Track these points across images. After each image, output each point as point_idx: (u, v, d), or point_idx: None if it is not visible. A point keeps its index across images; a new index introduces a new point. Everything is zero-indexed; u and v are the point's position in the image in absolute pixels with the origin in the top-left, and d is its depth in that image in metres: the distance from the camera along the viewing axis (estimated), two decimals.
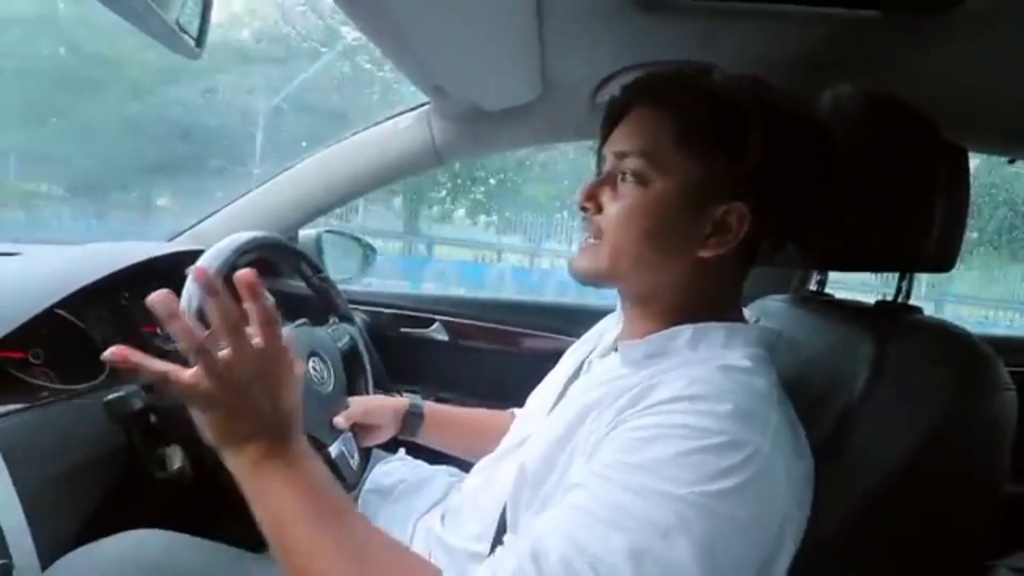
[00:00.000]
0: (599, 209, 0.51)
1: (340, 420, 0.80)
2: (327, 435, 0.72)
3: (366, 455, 0.79)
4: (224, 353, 0.40)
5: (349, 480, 0.74)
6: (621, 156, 0.50)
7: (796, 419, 0.48)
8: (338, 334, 0.88)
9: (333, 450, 0.72)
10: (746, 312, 0.59)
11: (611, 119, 0.53)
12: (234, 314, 0.39)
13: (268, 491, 0.42)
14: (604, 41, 0.73)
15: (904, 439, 0.49)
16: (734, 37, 0.70)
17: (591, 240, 0.52)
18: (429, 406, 0.82)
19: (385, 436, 0.82)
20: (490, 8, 0.62)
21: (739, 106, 0.46)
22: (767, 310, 0.74)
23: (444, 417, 0.83)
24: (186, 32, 0.43)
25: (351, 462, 0.75)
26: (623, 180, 0.50)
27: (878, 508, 0.50)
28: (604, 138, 0.54)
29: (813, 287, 0.76)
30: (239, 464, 0.42)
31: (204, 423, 0.42)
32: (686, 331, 0.50)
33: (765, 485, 0.40)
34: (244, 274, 0.39)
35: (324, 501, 0.42)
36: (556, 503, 0.47)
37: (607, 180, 0.51)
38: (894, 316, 0.58)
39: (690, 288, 0.51)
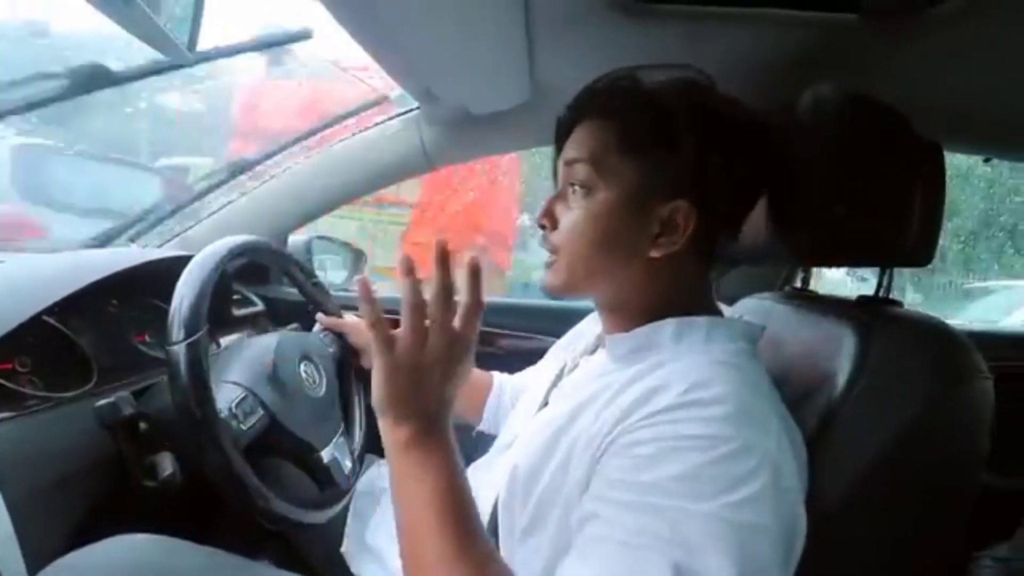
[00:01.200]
0: (555, 225, 0.53)
1: (322, 317, 0.86)
2: (319, 440, 0.71)
3: (359, 460, 0.79)
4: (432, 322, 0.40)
5: (341, 484, 0.73)
6: (570, 163, 0.52)
7: (787, 413, 0.49)
8: (329, 339, 0.87)
9: (325, 455, 0.72)
10: (728, 310, 0.60)
11: (561, 132, 0.55)
12: (450, 289, 0.40)
13: (410, 475, 0.42)
14: (591, 44, 0.74)
15: (886, 430, 0.50)
16: (717, 40, 0.72)
17: (551, 257, 0.54)
18: None
19: (365, 362, 0.86)
20: (478, 12, 0.63)
21: (670, 109, 0.49)
22: (752, 308, 0.75)
23: None
24: (176, 36, 0.43)
25: (343, 467, 0.75)
26: (573, 192, 0.52)
27: (863, 500, 0.51)
28: (557, 152, 0.56)
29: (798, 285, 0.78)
30: (394, 437, 0.42)
31: (379, 383, 0.42)
32: (670, 324, 0.51)
33: (781, 486, 0.40)
34: (473, 258, 0.41)
35: (458, 504, 0.41)
36: (556, 512, 0.47)
37: (560, 195, 0.54)
38: (875, 310, 0.60)
39: (651, 289, 0.52)
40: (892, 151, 0.57)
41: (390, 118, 1.04)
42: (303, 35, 0.83)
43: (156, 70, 0.69)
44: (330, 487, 0.73)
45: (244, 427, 0.65)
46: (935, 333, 0.54)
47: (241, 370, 0.70)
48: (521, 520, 0.51)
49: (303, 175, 1.10)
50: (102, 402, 0.63)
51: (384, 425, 0.43)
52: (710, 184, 0.48)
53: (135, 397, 0.69)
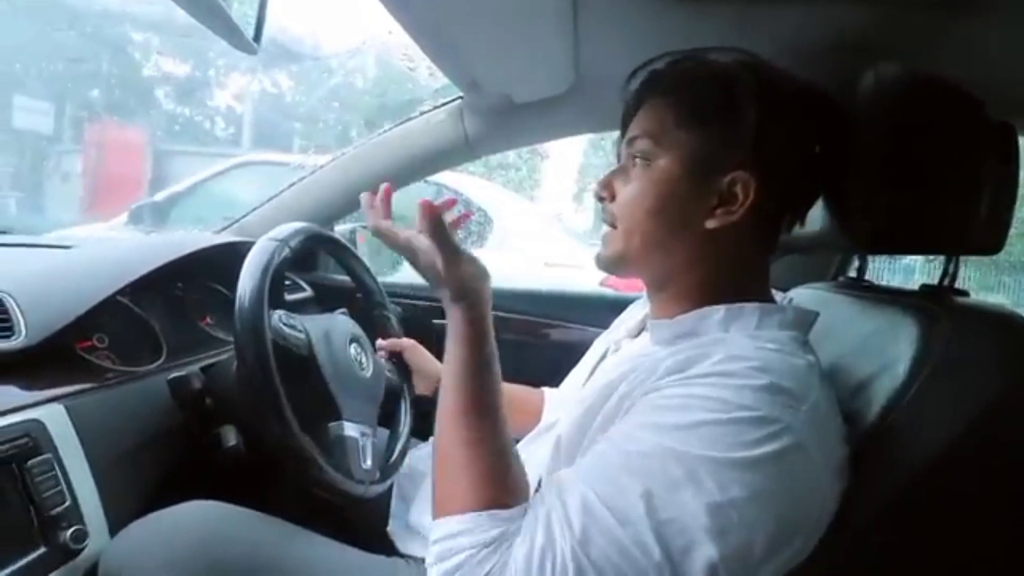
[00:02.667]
0: (613, 197, 0.54)
1: (382, 343, 0.89)
2: (347, 412, 0.72)
3: (383, 471, 0.77)
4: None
5: (354, 472, 0.69)
6: (631, 142, 0.53)
7: (836, 404, 0.47)
8: (390, 365, 0.89)
9: (347, 428, 0.71)
10: (780, 297, 0.58)
11: (626, 116, 0.56)
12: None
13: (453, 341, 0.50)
14: (637, 30, 0.73)
15: (952, 422, 0.48)
16: (771, 23, 0.69)
17: (609, 229, 0.55)
18: None
19: (419, 386, 0.89)
20: (526, 1, 0.63)
21: (732, 81, 0.49)
22: (805, 297, 0.73)
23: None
24: (244, 30, 0.46)
25: (359, 454, 0.71)
26: (633, 165, 0.53)
27: (926, 492, 0.49)
28: (623, 135, 0.57)
29: (853, 275, 0.75)
30: (443, 298, 0.51)
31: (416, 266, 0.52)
32: (718, 311, 0.50)
33: (795, 462, 0.40)
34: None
35: (480, 386, 0.49)
36: None
37: (621, 169, 0.54)
38: (940, 299, 0.57)
39: (706, 264, 0.52)
40: (960, 131, 0.54)
41: (434, 107, 1.06)
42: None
43: None
44: (338, 465, 0.68)
45: (285, 332, 0.68)
46: (1006, 324, 0.52)
47: (297, 317, 0.74)
48: None
49: (350, 165, 1.13)
50: (175, 375, 0.68)
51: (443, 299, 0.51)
52: (771, 155, 0.48)
53: (205, 372, 0.74)
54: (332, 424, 0.71)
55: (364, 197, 0.57)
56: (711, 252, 0.51)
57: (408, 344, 0.91)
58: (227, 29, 0.44)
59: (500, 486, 0.45)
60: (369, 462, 0.73)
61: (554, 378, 0.79)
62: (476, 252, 0.52)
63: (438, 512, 0.46)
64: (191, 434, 0.71)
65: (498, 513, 0.43)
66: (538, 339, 1.20)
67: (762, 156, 0.48)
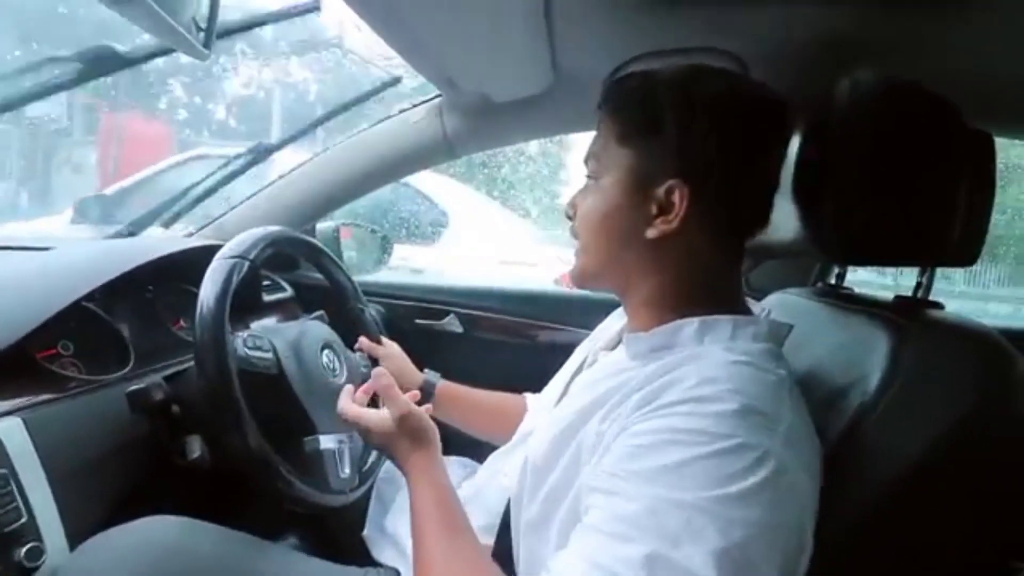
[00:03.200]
0: (576, 215, 0.57)
1: (363, 341, 0.89)
2: (322, 423, 0.71)
3: (364, 476, 0.77)
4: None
5: (332, 483, 0.69)
6: (585, 162, 0.56)
7: (809, 418, 0.47)
8: (367, 361, 0.88)
9: (323, 441, 0.70)
10: (757, 306, 0.58)
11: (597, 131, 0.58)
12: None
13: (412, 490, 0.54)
14: (615, 30, 0.71)
15: (921, 437, 0.48)
16: (749, 24, 0.68)
17: (576, 244, 0.57)
18: (442, 384, 0.89)
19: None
20: (500, 1, 0.61)
21: (655, 95, 0.51)
22: (783, 303, 0.72)
23: (454, 394, 0.89)
24: (192, 34, 0.44)
25: (338, 465, 0.71)
26: (588, 184, 0.56)
27: (894, 507, 0.49)
28: None
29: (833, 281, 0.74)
30: (401, 453, 0.57)
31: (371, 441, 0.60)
32: (692, 323, 0.50)
33: (782, 486, 0.40)
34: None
35: (447, 511, 0.52)
36: (564, 505, 0.48)
37: (582, 188, 0.57)
38: (913, 311, 0.56)
39: (660, 274, 0.52)
40: (936, 141, 0.53)
41: (413, 106, 1.04)
42: (312, 7, 0.84)
43: (164, 51, 0.70)
44: (317, 476, 0.69)
45: (251, 357, 0.67)
46: (977, 339, 0.51)
47: (266, 330, 0.74)
48: (529, 513, 0.52)
49: (329, 163, 1.11)
50: (133, 387, 0.66)
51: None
52: (700, 162, 0.49)
53: (170, 380, 0.72)
54: (307, 439, 0.70)
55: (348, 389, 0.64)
56: (662, 261, 0.52)
57: (386, 353, 0.90)
58: (173, 35, 0.42)
59: None
60: (348, 470, 0.72)
61: (540, 378, 0.78)
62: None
63: None
64: (158, 445, 0.70)
65: None
66: (527, 340, 1.19)
67: (691, 163, 0.49)
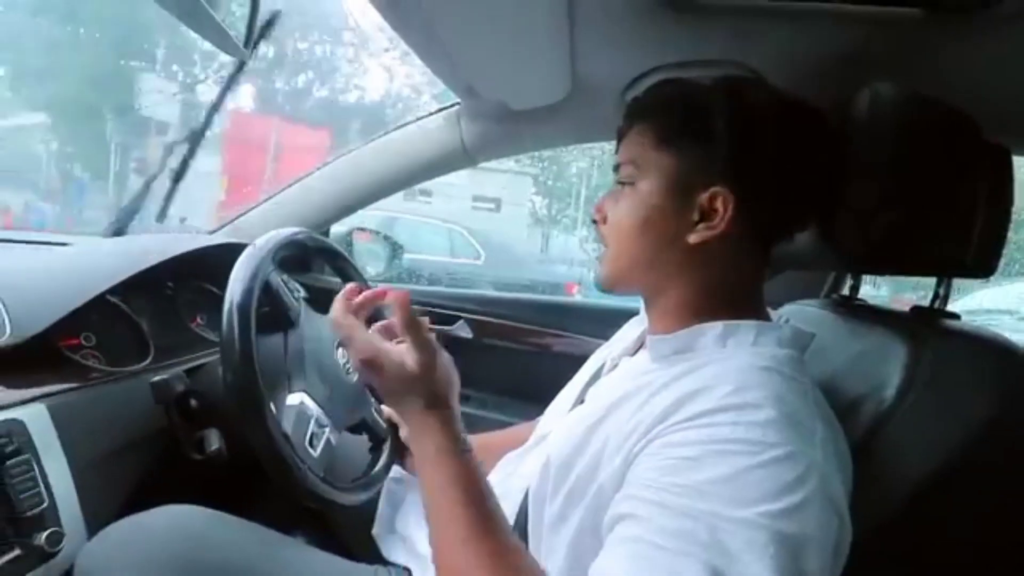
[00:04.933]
0: (605, 220, 0.56)
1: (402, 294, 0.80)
2: (340, 420, 0.71)
3: (383, 465, 0.76)
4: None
5: (298, 451, 0.63)
6: (617, 168, 0.55)
7: (837, 424, 0.47)
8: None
9: (333, 439, 0.68)
10: (773, 315, 0.58)
11: (619, 139, 0.57)
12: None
13: (426, 462, 0.46)
14: (635, 41, 0.73)
15: (939, 444, 0.48)
16: (767, 37, 0.69)
17: (603, 250, 0.56)
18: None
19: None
20: (521, 8, 0.63)
21: (705, 101, 0.51)
22: (798, 314, 0.73)
23: (484, 445, 0.80)
24: (233, 33, 0.45)
25: (305, 436, 0.66)
26: (621, 189, 0.55)
27: (914, 511, 0.49)
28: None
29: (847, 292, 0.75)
30: (412, 412, 0.48)
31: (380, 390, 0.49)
32: (716, 327, 0.50)
33: (826, 495, 0.39)
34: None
35: (476, 487, 0.45)
36: (585, 502, 0.47)
37: (612, 193, 0.56)
38: (930, 322, 0.57)
39: (695, 278, 0.52)
40: (954, 154, 0.53)
41: (431, 113, 1.06)
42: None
43: None
44: (330, 474, 0.67)
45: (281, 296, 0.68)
46: (993, 349, 0.51)
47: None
48: (550, 512, 0.51)
49: (346, 168, 1.13)
50: (157, 378, 0.67)
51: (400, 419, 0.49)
52: (748, 169, 0.49)
53: (188, 375, 0.73)
54: (291, 395, 0.68)
55: (348, 288, 0.52)
56: (698, 266, 0.52)
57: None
58: (215, 32, 0.44)
59: None
60: (319, 451, 0.68)
61: (549, 386, 0.78)
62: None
63: None
64: (175, 436, 0.71)
65: None
66: (536, 347, 1.20)
67: (739, 171, 0.49)
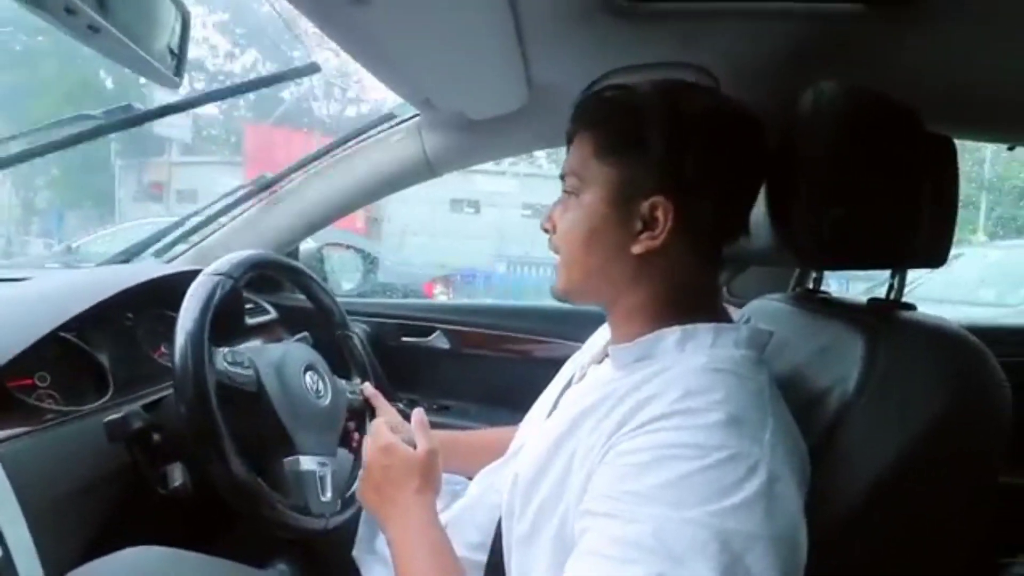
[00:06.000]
0: (555, 229, 0.56)
1: (368, 388, 0.84)
2: (304, 445, 0.70)
3: (344, 502, 0.75)
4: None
5: (311, 506, 0.67)
6: (563, 178, 0.56)
7: (792, 421, 0.48)
8: (358, 392, 0.85)
9: (304, 462, 0.68)
10: (736, 313, 0.58)
11: (567, 146, 0.57)
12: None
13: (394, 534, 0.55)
14: (585, 46, 0.73)
15: (897, 438, 0.49)
16: (714, 37, 0.70)
17: (557, 259, 0.56)
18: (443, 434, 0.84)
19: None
20: (468, 21, 0.63)
21: (638, 110, 0.51)
22: (762, 310, 0.73)
23: (449, 443, 0.83)
24: (163, 63, 0.44)
25: (318, 488, 0.69)
26: (568, 198, 0.55)
27: (874, 507, 0.49)
28: None
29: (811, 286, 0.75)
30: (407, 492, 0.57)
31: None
32: (674, 332, 0.50)
33: (775, 494, 0.40)
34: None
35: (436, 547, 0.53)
36: (555, 519, 0.48)
37: (559, 202, 0.56)
38: (887, 313, 0.57)
39: (646, 287, 0.52)
40: (899, 146, 0.54)
41: (391, 126, 1.05)
42: (311, 70, 0.86)
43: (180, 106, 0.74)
44: (297, 499, 0.67)
45: (230, 372, 0.66)
46: (949, 340, 0.52)
47: (248, 350, 0.72)
48: (520, 528, 0.52)
49: (310, 186, 1.12)
50: (111, 417, 0.65)
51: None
52: (685, 177, 0.49)
53: (151, 408, 0.71)
54: (288, 460, 0.68)
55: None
56: (648, 274, 0.52)
57: (384, 408, 0.81)
58: (144, 66, 0.43)
59: None
60: (329, 493, 0.71)
61: (529, 392, 0.77)
62: None
63: None
64: (138, 475, 0.68)
65: None
66: (514, 354, 1.19)
67: (676, 179, 0.49)
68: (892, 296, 0.59)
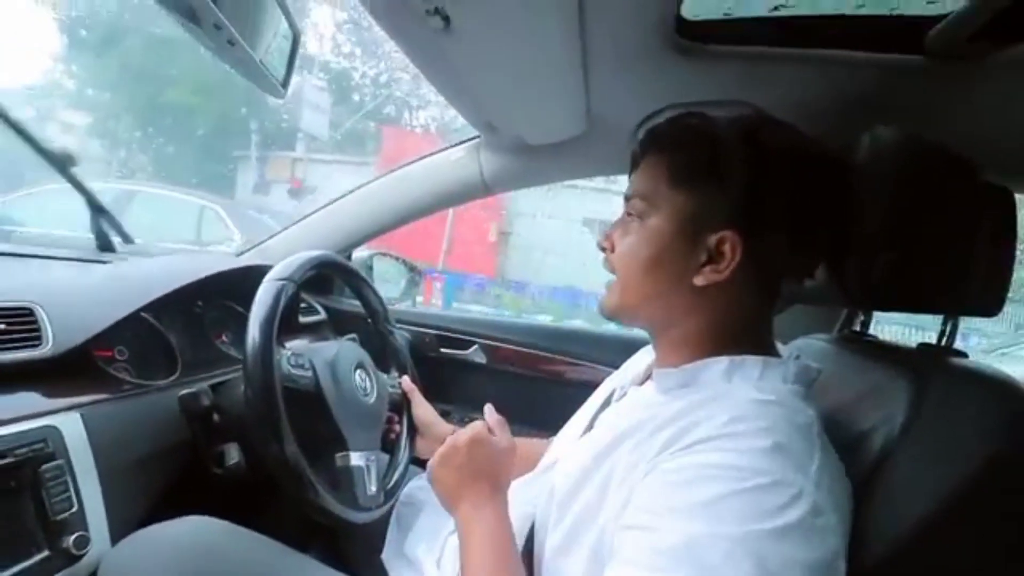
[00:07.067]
0: (613, 249, 0.56)
1: (407, 381, 0.90)
2: (354, 441, 0.74)
3: (387, 493, 0.79)
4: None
5: (359, 498, 0.72)
6: (628, 199, 0.55)
7: (837, 458, 0.48)
8: (399, 387, 0.91)
9: (354, 458, 0.73)
10: (784, 350, 0.59)
11: (631, 167, 0.58)
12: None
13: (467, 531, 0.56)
14: (646, 81, 0.76)
15: (943, 479, 0.48)
16: (773, 81, 0.72)
17: (612, 278, 0.57)
18: None
19: (422, 448, 0.88)
20: (538, 52, 0.67)
21: (719, 141, 0.50)
22: (808, 349, 0.73)
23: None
24: (272, 71, 0.50)
25: (366, 481, 0.74)
26: (630, 220, 0.55)
27: (917, 548, 0.48)
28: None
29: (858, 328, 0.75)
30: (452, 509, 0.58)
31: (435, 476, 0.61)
32: (722, 362, 0.51)
33: (816, 526, 0.40)
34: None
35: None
36: (591, 533, 0.48)
37: (621, 222, 0.56)
38: (936, 359, 0.57)
39: (700, 317, 0.52)
40: (954, 193, 0.55)
41: (453, 145, 1.10)
42: None
43: None
44: (346, 492, 0.72)
45: (294, 374, 0.71)
46: (998, 385, 0.51)
47: (306, 349, 0.77)
48: (554, 540, 0.52)
49: (371, 195, 1.18)
50: (185, 391, 0.70)
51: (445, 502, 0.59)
52: (759, 214, 0.48)
53: (214, 390, 0.76)
54: (339, 455, 0.73)
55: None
56: (704, 305, 0.52)
57: (419, 401, 0.90)
58: (253, 72, 0.48)
59: None
60: (374, 487, 0.75)
61: (559, 412, 0.79)
62: None
63: None
64: (198, 449, 0.73)
65: None
66: (548, 374, 1.21)
67: (750, 215, 0.49)
68: (943, 342, 0.59)
